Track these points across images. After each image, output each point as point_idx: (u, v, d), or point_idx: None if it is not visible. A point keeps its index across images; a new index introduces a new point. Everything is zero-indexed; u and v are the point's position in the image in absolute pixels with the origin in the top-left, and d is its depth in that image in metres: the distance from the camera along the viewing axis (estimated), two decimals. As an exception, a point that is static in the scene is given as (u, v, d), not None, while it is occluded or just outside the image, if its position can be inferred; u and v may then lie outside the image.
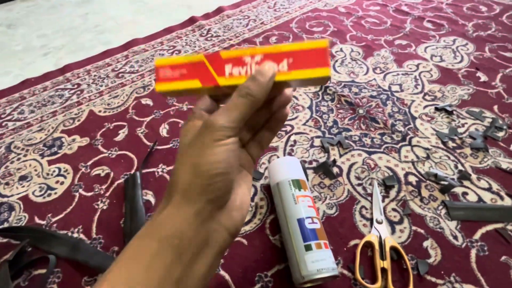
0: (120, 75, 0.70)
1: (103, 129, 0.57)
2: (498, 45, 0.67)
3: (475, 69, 0.62)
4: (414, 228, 0.39)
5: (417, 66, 0.64)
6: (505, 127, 0.50)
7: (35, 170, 0.50)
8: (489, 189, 0.42)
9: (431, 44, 0.69)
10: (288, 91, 0.23)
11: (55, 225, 0.43)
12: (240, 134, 0.22)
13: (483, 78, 0.60)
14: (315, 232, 0.33)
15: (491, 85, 0.58)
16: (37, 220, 0.44)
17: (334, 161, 0.47)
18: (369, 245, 0.38)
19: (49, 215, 0.44)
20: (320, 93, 0.60)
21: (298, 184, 0.38)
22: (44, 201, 0.46)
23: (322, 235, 0.34)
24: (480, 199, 0.41)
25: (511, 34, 0.70)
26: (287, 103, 0.23)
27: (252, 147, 0.25)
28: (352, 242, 0.38)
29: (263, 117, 0.24)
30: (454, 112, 0.53)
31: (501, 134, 0.49)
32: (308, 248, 0.32)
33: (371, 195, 0.43)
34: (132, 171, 0.49)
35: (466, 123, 0.51)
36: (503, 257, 0.36)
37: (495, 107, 0.54)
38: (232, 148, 0.19)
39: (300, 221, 0.34)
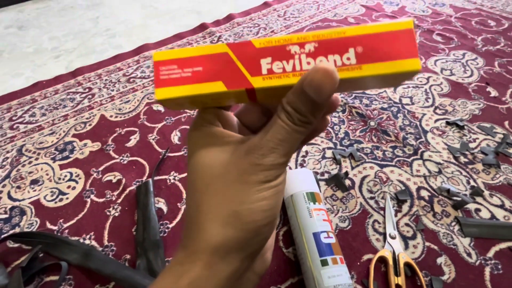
0: (131, 80, 0.70)
1: (115, 134, 0.57)
2: (508, 60, 0.68)
3: (485, 84, 0.62)
4: (427, 244, 0.39)
5: (428, 79, 0.65)
6: (516, 143, 0.50)
7: (47, 174, 0.51)
8: (501, 206, 0.42)
9: (441, 58, 0.70)
10: (336, 97, 0.17)
11: (66, 231, 0.43)
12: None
13: (494, 93, 0.60)
14: (331, 247, 0.33)
15: (502, 101, 0.58)
16: (48, 226, 0.44)
17: (346, 173, 0.47)
18: (382, 260, 0.37)
19: (61, 220, 0.44)
20: (331, 103, 0.60)
21: (312, 197, 0.38)
22: (56, 206, 0.46)
23: (338, 250, 0.34)
24: (493, 216, 0.41)
25: (520, 50, 0.70)
26: (334, 109, 0.17)
27: None
28: (366, 257, 0.38)
29: None
30: (465, 127, 0.53)
31: (512, 150, 0.49)
32: (324, 263, 0.32)
33: (383, 209, 0.43)
34: (144, 178, 0.49)
35: (478, 138, 0.51)
36: (518, 276, 0.36)
37: (506, 123, 0.54)
38: (282, 188, 0.16)
39: (316, 236, 0.34)
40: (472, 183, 0.45)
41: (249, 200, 0.14)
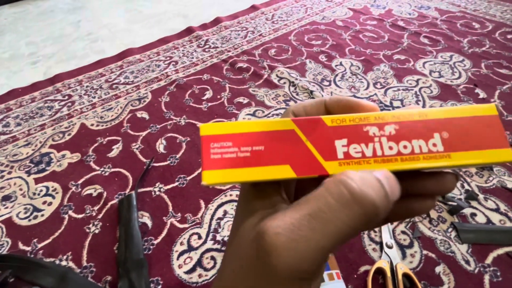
0: (114, 86, 0.67)
1: (96, 144, 0.53)
2: (494, 61, 0.68)
3: (473, 86, 0.62)
4: (425, 252, 0.37)
5: (417, 81, 0.64)
6: (507, 145, 0.50)
7: (20, 189, 0.47)
8: (497, 210, 0.42)
9: (429, 60, 0.70)
10: (451, 178, 0.13)
11: (41, 251, 0.39)
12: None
13: (482, 94, 0.60)
14: (327, 262, 0.31)
15: (490, 102, 0.58)
16: (21, 246, 0.40)
17: (340, 180, 0.45)
18: (380, 271, 0.36)
19: (35, 240, 0.41)
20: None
21: (306, 207, 0.36)
22: (30, 224, 0.42)
23: (334, 265, 0.32)
24: (489, 221, 0.40)
25: (504, 51, 0.71)
26: (442, 193, 0.13)
27: None
28: (363, 268, 0.36)
29: None
30: (457, 129, 0.53)
31: (504, 152, 0.49)
32: (320, 279, 0.30)
33: (379, 216, 0.41)
34: (127, 190, 0.46)
35: (469, 141, 0.51)
36: (517, 283, 0.35)
37: (496, 124, 0.54)
38: None
39: (311, 249, 0.32)
40: (467, 186, 0.44)
41: None
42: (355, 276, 0.36)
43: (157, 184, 0.46)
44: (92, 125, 0.58)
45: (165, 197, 0.45)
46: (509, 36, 0.76)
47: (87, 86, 0.68)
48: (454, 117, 0.13)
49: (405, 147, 0.12)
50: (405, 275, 0.35)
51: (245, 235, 0.12)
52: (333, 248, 0.10)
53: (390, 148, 0.12)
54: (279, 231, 0.10)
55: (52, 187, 0.47)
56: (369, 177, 0.11)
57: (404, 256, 0.37)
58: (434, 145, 0.12)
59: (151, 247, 0.39)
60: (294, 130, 0.12)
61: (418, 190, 0.13)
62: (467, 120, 0.12)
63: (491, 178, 0.45)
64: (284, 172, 0.12)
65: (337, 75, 0.67)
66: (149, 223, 0.42)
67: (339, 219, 0.10)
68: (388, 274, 0.35)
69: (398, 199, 0.11)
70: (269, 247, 0.10)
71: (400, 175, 0.12)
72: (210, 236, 0.40)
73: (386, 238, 0.38)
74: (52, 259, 0.38)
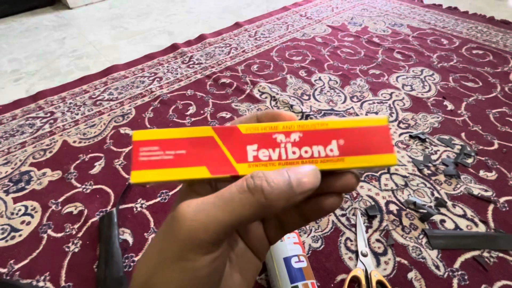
0: (98, 102, 0.68)
1: (78, 161, 0.54)
2: (460, 75, 0.73)
3: (442, 98, 0.66)
4: (398, 259, 0.39)
5: (391, 95, 0.68)
6: (473, 154, 0.53)
7: (-2, 209, 0.46)
8: (464, 216, 0.44)
9: (401, 74, 0.74)
10: (351, 177, 0.15)
11: (17, 273, 0.39)
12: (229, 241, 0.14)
13: (450, 106, 0.64)
14: (302, 272, 0.33)
15: (457, 113, 0.62)
16: (-4, 268, 0.39)
17: (318, 191, 0.47)
18: (356, 280, 0.37)
19: (12, 261, 0.40)
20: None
21: (283, 219, 0.37)
22: (6, 245, 0.42)
23: (309, 274, 0.33)
24: (457, 226, 0.43)
25: (470, 65, 0.77)
26: (346, 191, 0.15)
27: (270, 225, 0.17)
28: (339, 277, 0.38)
29: None
30: (427, 140, 0.56)
31: (470, 160, 0.52)
32: (295, 290, 0.31)
33: (355, 225, 0.43)
34: (109, 207, 0.46)
35: (438, 150, 0.54)
36: (483, 286, 0.37)
37: (463, 134, 0.57)
38: (205, 274, 0.12)
39: (287, 260, 0.33)
40: (436, 194, 0.47)
41: (158, 276, 0.12)
42: (332, 285, 0.37)
43: (139, 200, 0.47)
44: (74, 142, 0.58)
45: (147, 213, 0.45)
46: (474, 51, 0.82)
47: (70, 103, 0.68)
48: (351, 127, 0.15)
49: (306, 151, 0.14)
50: (379, 282, 0.36)
51: (168, 217, 0.14)
52: (230, 224, 0.12)
53: (293, 152, 0.14)
54: (190, 204, 0.12)
55: (31, 206, 0.47)
56: (276, 173, 0.13)
57: (378, 263, 0.39)
58: (331, 150, 0.14)
59: (132, 264, 0.39)
60: (213, 136, 0.14)
61: (327, 188, 0.15)
62: (362, 129, 0.15)
63: (458, 186, 0.48)
64: (201, 172, 0.14)
65: (316, 89, 0.70)
66: (130, 239, 0.42)
67: (236, 201, 0.12)
68: (363, 282, 0.36)
69: (314, 188, 0.13)
70: (178, 214, 0.12)
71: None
72: (191, 251, 0.40)
73: (362, 246, 0.40)
74: (29, 280, 0.38)
